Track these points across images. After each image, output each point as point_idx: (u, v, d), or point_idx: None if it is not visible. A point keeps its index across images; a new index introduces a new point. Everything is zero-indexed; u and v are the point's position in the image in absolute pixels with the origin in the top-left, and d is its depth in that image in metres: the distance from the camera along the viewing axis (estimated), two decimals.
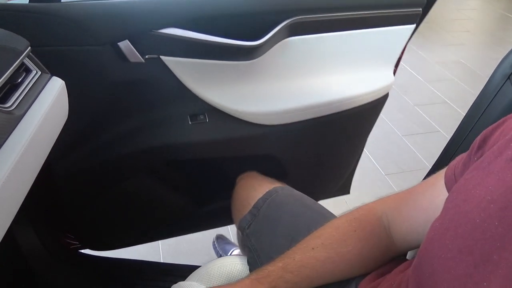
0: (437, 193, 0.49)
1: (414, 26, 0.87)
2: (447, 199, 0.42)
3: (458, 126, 0.76)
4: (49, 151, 0.55)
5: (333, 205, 1.66)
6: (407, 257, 0.68)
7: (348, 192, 1.25)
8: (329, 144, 1.00)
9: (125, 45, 0.68)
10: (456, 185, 0.42)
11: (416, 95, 2.56)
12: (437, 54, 3.12)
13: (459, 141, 0.73)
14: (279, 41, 0.77)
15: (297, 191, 0.77)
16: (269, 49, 0.77)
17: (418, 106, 2.44)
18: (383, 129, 2.21)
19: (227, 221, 1.07)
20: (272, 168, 0.97)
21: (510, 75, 0.63)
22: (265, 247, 0.67)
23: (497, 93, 0.65)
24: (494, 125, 0.43)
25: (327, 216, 0.69)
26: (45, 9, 0.63)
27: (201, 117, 0.82)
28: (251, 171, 0.90)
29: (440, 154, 0.79)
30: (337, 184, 1.20)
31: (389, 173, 1.92)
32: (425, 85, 2.68)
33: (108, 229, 0.99)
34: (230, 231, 1.54)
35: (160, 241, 1.48)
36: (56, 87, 0.56)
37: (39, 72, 0.56)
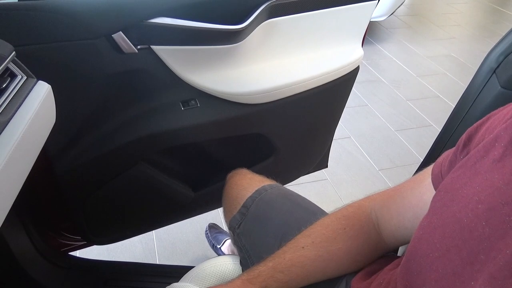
0: (425, 190, 0.49)
1: (376, 2, 0.95)
2: (434, 197, 0.42)
3: (447, 120, 0.77)
4: (36, 156, 0.55)
5: (327, 201, 1.67)
6: (398, 253, 0.68)
7: (326, 166, 1.32)
8: (309, 118, 1.07)
9: (119, 37, 0.70)
10: (443, 183, 0.42)
11: (408, 90, 2.57)
12: (428, 48, 3.13)
13: (448, 135, 0.74)
14: (260, 24, 0.82)
15: (287, 189, 0.77)
16: (251, 31, 0.81)
17: (410, 101, 2.46)
18: (376, 125, 2.22)
19: (220, 204, 1.11)
20: (262, 147, 1.05)
21: (495, 69, 0.64)
22: (256, 246, 0.68)
23: (483, 87, 0.66)
24: (478, 122, 0.44)
25: (317, 213, 0.70)
26: (36, 6, 0.62)
27: (193, 102, 0.86)
28: (240, 169, 0.90)
29: (430, 149, 0.80)
30: (318, 158, 1.26)
31: (383, 168, 1.93)
32: (416, 80, 2.69)
33: (110, 221, 1.00)
34: (222, 220, 1.55)
35: (155, 243, 1.48)
36: (42, 91, 0.56)
37: (25, 77, 0.56)
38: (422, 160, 2.01)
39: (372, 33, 3.28)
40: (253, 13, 0.79)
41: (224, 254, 1.32)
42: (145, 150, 0.87)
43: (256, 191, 0.74)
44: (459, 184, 0.38)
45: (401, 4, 3.06)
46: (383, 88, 2.57)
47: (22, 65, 0.56)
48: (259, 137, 1.00)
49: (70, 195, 0.87)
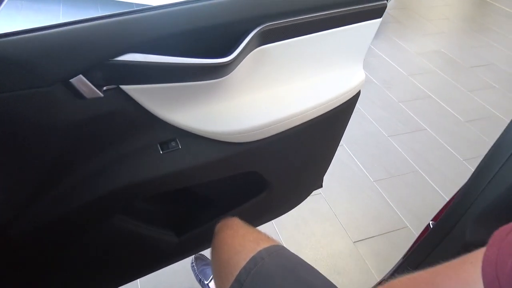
0: None
1: (380, 20, 0.84)
2: None
3: (474, 174, 0.65)
4: None
5: (322, 219, 1.57)
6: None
7: (321, 186, 1.23)
8: (307, 149, 0.97)
9: (78, 81, 0.57)
10: None
11: (399, 91, 2.47)
12: (417, 44, 3.03)
13: (476, 193, 0.62)
14: (250, 52, 0.71)
15: (287, 254, 0.65)
16: (240, 62, 0.70)
17: (402, 103, 2.36)
18: (369, 131, 2.12)
19: (208, 244, 1.01)
20: (253, 183, 0.94)
21: None
22: None
23: None
24: None
25: None
26: None
27: (173, 144, 0.74)
28: (231, 219, 0.78)
29: (451, 207, 0.69)
30: (314, 187, 1.19)
31: (378, 179, 1.83)
32: (407, 79, 2.60)
33: (79, 282, 0.87)
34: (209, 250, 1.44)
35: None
36: None
37: None
38: (417, 167, 1.94)
39: None
40: (242, 41, 0.66)
41: None
42: (117, 205, 0.74)
43: (251, 259, 0.63)
44: None
45: None
46: (375, 89, 2.47)
47: None
48: (250, 173, 0.89)
49: (30, 262, 0.74)
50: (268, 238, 0.70)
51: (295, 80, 0.83)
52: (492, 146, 0.63)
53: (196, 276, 1.27)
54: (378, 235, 1.59)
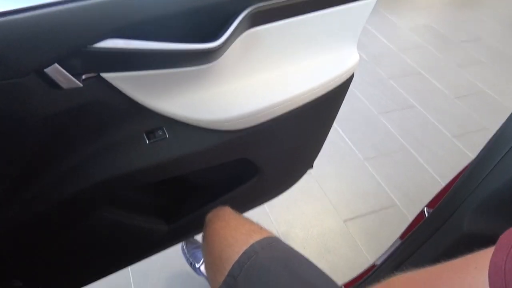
0: None
1: (375, 0, 0.81)
2: None
3: (476, 160, 0.63)
4: None
5: (312, 199, 1.56)
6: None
7: (312, 166, 1.22)
8: (299, 134, 0.94)
9: (54, 70, 0.52)
10: None
11: (389, 67, 2.45)
12: (408, 18, 2.99)
13: (478, 179, 0.61)
14: (239, 35, 0.67)
15: (281, 246, 0.64)
16: (229, 46, 0.66)
17: (392, 79, 2.34)
18: (359, 108, 2.10)
19: (199, 230, 0.99)
20: (244, 168, 0.92)
21: None
22: None
23: None
24: None
25: (319, 286, 0.57)
26: None
27: (160, 133, 0.70)
28: (222, 208, 0.76)
29: (451, 192, 0.67)
30: (307, 169, 1.17)
31: (368, 157, 1.83)
32: (397, 55, 2.57)
33: (66, 272, 0.86)
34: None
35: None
36: None
37: None
38: (406, 145, 1.94)
39: None
40: (231, 24, 0.62)
41: (203, 275, 1.21)
42: (103, 197, 0.71)
43: (244, 253, 0.61)
44: None
45: None
46: (364, 65, 2.43)
47: None
48: (241, 160, 0.86)
49: (13, 252, 0.71)
50: (260, 229, 0.68)
51: (287, 64, 0.79)
52: (493, 136, 0.62)
53: (187, 259, 1.26)
54: (368, 213, 1.60)
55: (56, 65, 0.52)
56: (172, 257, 1.34)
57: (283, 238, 1.47)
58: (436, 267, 0.43)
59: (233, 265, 0.60)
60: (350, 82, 0.92)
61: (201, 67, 0.65)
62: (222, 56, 0.66)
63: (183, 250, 1.29)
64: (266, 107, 0.76)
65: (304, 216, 1.55)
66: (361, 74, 2.35)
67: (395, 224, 1.57)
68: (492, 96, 2.29)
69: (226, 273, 0.61)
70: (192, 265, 1.24)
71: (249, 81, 0.76)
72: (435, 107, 2.18)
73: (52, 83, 0.53)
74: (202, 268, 1.21)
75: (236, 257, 0.61)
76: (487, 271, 0.35)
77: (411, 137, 1.97)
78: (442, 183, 1.72)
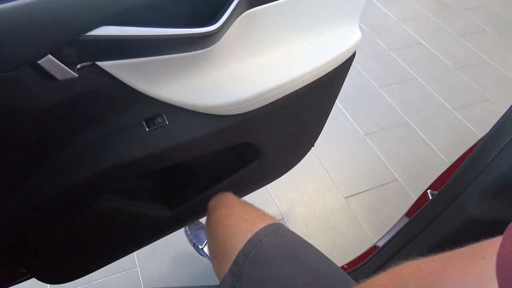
0: None
1: None
2: None
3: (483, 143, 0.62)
4: None
5: (313, 176, 1.56)
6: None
7: (313, 145, 1.21)
8: (301, 115, 0.93)
9: (47, 61, 0.51)
10: None
11: (389, 38, 2.39)
12: None
13: (484, 161, 0.59)
14: (237, 17, 0.64)
15: (286, 233, 0.63)
16: (227, 29, 0.64)
17: (392, 51, 2.29)
18: (359, 82, 2.07)
19: (203, 214, 1.00)
20: (246, 152, 0.91)
21: None
22: None
23: None
24: None
25: (327, 275, 0.57)
26: None
27: (159, 120, 0.69)
28: (225, 194, 0.75)
29: (454, 176, 0.66)
30: (308, 150, 1.16)
31: (368, 132, 1.81)
32: (398, 25, 2.50)
33: (70, 260, 0.86)
34: None
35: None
36: None
37: None
38: (407, 119, 1.92)
39: None
40: (229, 5, 0.59)
41: (207, 256, 1.21)
42: (104, 187, 0.70)
43: (249, 241, 0.60)
44: None
45: None
46: (364, 36, 2.37)
47: None
48: (242, 143, 0.85)
49: (16, 242, 0.71)
50: (264, 215, 0.68)
51: (288, 44, 0.76)
52: (500, 119, 0.60)
53: (190, 240, 1.27)
54: (369, 189, 1.60)
55: (50, 56, 0.50)
56: (176, 238, 1.34)
57: (285, 217, 1.49)
58: (443, 256, 0.42)
59: (238, 254, 0.60)
60: (352, 60, 0.89)
61: (200, 51, 0.63)
62: (221, 39, 0.64)
63: (186, 232, 1.29)
64: (267, 89, 0.74)
65: (305, 193, 1.55)
66: (361, 46, 2.28)
67: (397, 200, 1.57)
68: (494, 67, 2.25)
69: (231, 261, 0.60)
70: (195, 246, 1.25)
71: (249, 64, 0.73)
72: (436, 79, 2.14)
73: (46, 75, 0.52)
74: (206, 249, 1.22)
75: (240, 245, 0.61)
76: (495, 262, 0.34)
77: (412, 111, 1.94)
78: (443, 157, 1.71)
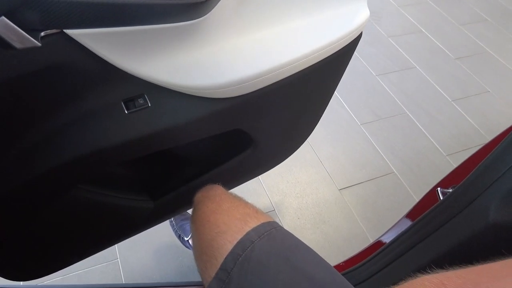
0: None
1: None
2: None
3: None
4: None
5: (306, 166, 1.49)
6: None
7: (310, 134, 1.14)
8: (300, 102, 0.84)
9: (2, 25, 0.42)
10: None
11: (389, 24, 2.30)
12: None
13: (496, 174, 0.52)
14: None
15: (279, 238, 0.56)
16: None
17: (391, 38, 2.21)
18: (357, 70, 1.99)
19: (189, 206, 0.92)
20: (237, 139, 0.84)
21: None
22: None
23: None
24: None
25: (326, 283, 0.50)
26: None
27: (140, 101, 0.60)
28: (212, 187, 0.68)
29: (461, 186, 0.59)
30: (305, 138, 1.08)
31: (365, 122, 1.74)
32: (398, 11, 2.42)
33: (46, 253, 0.78)
34: None
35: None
36: None
37: None
38: (405, 109, 1.85)
39: None
40: None
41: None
42: (77, 177, 0.61)
43: (239, 243, 0.53)
44: None
45: None
46: None
47: None
48: (236, 131, 0.77)
49: None
50: (256, 212, 0.60)
51: (289, 20, 0.68)
52: None
53: (175, 232, 1.19)
54: (364, 181, 1.54)
55: (4, 18, 0.41)
56: (160, 229, 1.27)
57: (276, 208, 1.42)
58: (469, 271, 0.35)
59: (226, 257, 0.52)
60: (358, 42, 0.81)
61: (188, 23, 0.54)
62: (212, 10, 0.55)
63: (171, 222, 1.22)
64: (264, 71, 0.65)
65: (298, 184, 1.49)
66: None
67: (392, 193, 1.51)
68: (494, 57, 2.19)
69: (218, 265, 0.53)
70: (180, 237, 1.17)
71: (245, 40, 0.65)
72: (435, 68, 2.07)
73: (1, 42, 0.43)
74: (191, 241, 1.15)
75: (229, 247, 0.53)
76: None
77: (410, 101, 1.88)
78: (440, 149, 1.66)
